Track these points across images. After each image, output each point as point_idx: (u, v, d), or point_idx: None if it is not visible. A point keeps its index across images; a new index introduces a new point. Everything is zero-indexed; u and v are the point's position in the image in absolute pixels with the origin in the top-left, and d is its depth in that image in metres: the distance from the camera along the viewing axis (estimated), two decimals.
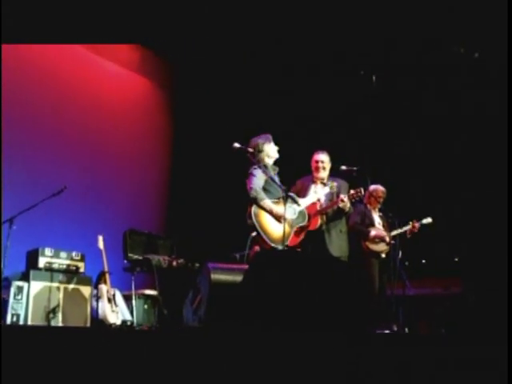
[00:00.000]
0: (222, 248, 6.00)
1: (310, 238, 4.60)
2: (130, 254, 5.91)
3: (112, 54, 7.91)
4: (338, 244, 4.74)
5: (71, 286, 5.69)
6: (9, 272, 5.34)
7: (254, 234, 4.43)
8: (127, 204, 7.81)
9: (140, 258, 5.89)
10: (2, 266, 5.08)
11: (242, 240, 5.13)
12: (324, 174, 4.88)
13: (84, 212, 7.10)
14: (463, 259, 6.47)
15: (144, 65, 8.41)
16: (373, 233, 5.55)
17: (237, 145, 4.34)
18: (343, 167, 4.86)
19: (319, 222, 4.62)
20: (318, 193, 4.76)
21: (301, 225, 4.49)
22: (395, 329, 5.16)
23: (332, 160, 4.97)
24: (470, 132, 6.55)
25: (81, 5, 3.81)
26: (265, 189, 4.45)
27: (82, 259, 5.94)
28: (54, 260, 5.68)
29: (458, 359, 2.52)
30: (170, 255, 6.14)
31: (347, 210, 4.65)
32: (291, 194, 4.46)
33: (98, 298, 5.62)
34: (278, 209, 4.33)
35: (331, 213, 4.73)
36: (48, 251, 5.67)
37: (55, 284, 5.57)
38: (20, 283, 5.31)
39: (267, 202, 4.36)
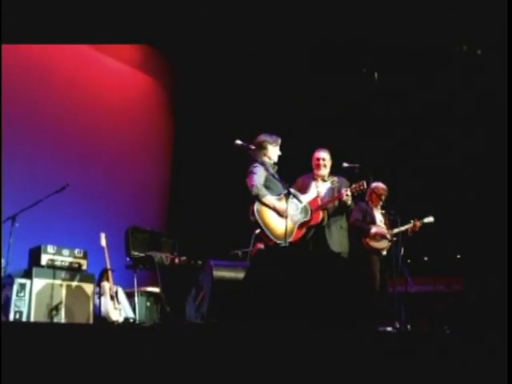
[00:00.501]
0: (224, 245, 6.01)
1: (311, 233, 4.61)
2: (132, 252, 5.92)
3: (114, 52, 7.91)
4: (338, 240, 4.76)
5: (74, 284, 5.70)
6: (11, 269, 5.34)
7: (257, 231, 4.43)
8: (129, 201, 7.82)
9: (142, 255, 5.90)
10: (4, 264, 5.10)
11: (244, 237, 5.14)
12: (325, 171, 4.92)
13: (86, 209, 7.10)
14: (464, 258, 6.47)
15: (146, 63, 8.41)
16: (373, 230, 5.54)
17: (239, 142, 4.34)
18: (345, 164, 4.88)
19: (321, 216, 4.62)
20: (319, 188, 4.77)
21: (303, 220, 4.49)
22: (397, 326, 5.16)
23: (332, 158, 5.00)
24: (473, 130, 6.55)
25: (82, 4, 3.81)
26: (265, 186, 4.45)
27: (85, 256, 5.95)
28: (56, 257, 5.69)
29: (458, 358, 2.53)
30: (173, 252, 6.14)
31: (349, 203, 4.67)
32: (292, 190, 4.46)
33: (100, 295, 5.63)
34: (281, 204, 4.34)
35: (332, 208, 4.75)
36: (50, 248, 5.68)
37: (58, 281, 5.58)
38: (23, 280, 5.32)
39: (270, 198, 4.37)
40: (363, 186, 4.60)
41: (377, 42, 6.62)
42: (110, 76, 7.97)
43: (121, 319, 5.62)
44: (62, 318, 5.43)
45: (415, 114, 7.00)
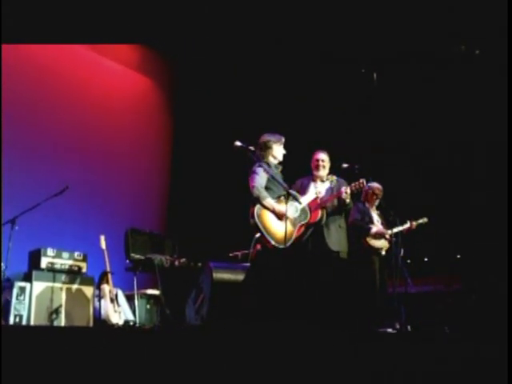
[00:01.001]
0: (224, 247, 6.00)
1: (309, 232, 4.62)
2: (132, 254, 5.91)
3: (112, 53, 7.92)
4: (337, 239, 4.78)
5: (74, 287, 5.69)
6: (11, 273, 5.34)
7: (258, 234, 4.42)
8: (129, 204, 7.81)
9: (142, 257, 5.90)
10: (4, 267, 5.10)
11: (243, 239, 5.13)
12: (324, 172, 4.98)
13: (86, 212, 7.10)
14: (464, 258, 6.47)
15: (145, 64, 8.42)
16: (374, 229, 5.59)
17: (238, 143, 4.33)
18: (345, 165, 4.91)
19: (320, 214, 4.63)
20: (318, 189, 4.78)
21: (303, 222, 4.50)
22: (397, 327, 5.16)
23: (331, 159, 5.05)
24: (473, 130, 6.55)
25: (81, 5, 3.81)
26: (267, 187, 4.45)
27: (85, 259, 5.95)
28: (56, 260, 5.68)
29: (459, 357, 2.52)
30: (172, 255, 6.14)
31: (348, 201, 4.70)
32: (292, 191, 4.47)
33: (100, 298, 5.63)
34: (281, 207, 4.34)
35: (331, 207, 4.78)
36: (50, 251, 5.67)
37: (58, 284, 5.57)
38: (22, 284, 5.32)
39: (269, 201, 4.36)
40: (363, 184, 4.64)
41: (376, 42, 6.63)
42: (108, 77, 7.98)
43: (121, 322, 5.61)
44: (61, 321, 5.43)
45: (414, 113, 7.00)
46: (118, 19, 4.03)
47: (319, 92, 7.43)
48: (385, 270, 5.55)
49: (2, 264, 5.12)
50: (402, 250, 5.54)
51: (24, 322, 5.17)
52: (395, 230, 5.58)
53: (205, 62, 8.13)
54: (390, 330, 4.99)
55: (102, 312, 5.58)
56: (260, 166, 4.44)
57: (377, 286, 5.45)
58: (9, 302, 5.18)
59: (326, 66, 7.33)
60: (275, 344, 2.70)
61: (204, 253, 5.81)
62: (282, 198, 4.36)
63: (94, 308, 5.72)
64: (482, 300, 5.79)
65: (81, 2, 3.82)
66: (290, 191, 4.37)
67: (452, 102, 6.73)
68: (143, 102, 8.46)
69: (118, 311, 5.67)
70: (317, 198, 4.67)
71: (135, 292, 5.84)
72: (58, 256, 5.72)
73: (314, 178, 4.99)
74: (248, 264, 4.82)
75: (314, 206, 4.63)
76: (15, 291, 5.22)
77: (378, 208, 5.85)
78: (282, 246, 4.18)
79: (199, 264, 5.94)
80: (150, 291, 6.26)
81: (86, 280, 5.84)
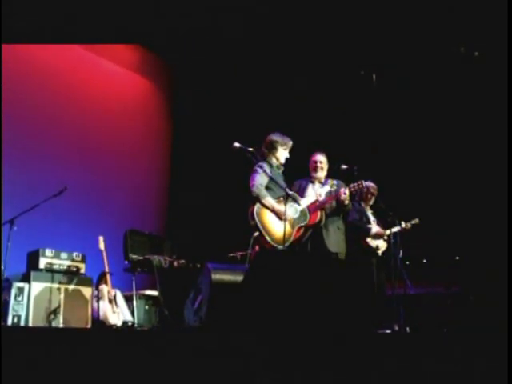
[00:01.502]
0: (223, 248, 6.00)
1: (308, 233, 4.63)
2: (130, 255, 5.91)
3: (112, 55, 7.92)
4: (335, 240, 4.80)
5: (72, 287, 5.69)
6: (9, 273, 5.33)
7: (256, 233, 4.43)
8: (128, 205, 7.81)
9: (141, 258, 5.89)
10: (3, 267, 5.09)
11: (242, 240, 5.13)
12: (322, 174, 5.01)
13: (84, 213, 7.09)
14: (463, 259, 6.47)
15: (144, 65, 8.42)
16: (374, 230, 5.65)
17: (237, 144, 4.33)
18: (343, 166, 4.92)
19: (319, 216, 4.63)
20: (318, 191, 4.79)
21: (302, 224, 4.50)
22: (396, 328, 5.16)
23: (329, 160, 5.07)
24: (472, 130, 6.56)
25: (81, 5, 3.81)
26: (267, 187, 4.46)
27: (83, 260, 5.94)
28: (54, 261, 5.68)
29: (458, 358, 2.52)
30: (171, 255, 6.14)
31: (347, 203, 4.70)
32: (292, 193, 4.47)
33: (98, 298, 5.62)
34: (280, 207, 4.34)
35: (330, 209, 4.79)
36: (49, 252, 5.67)
37: (56, 285, 5.56)
38: (21, 284, 5.31)
39: (269, 200, 4.37)
40: (361, 185, 4.65)
41: (375, 43, 6.64)
42: (108, 79, 7.97)
43: (119, 323, 5.61)
44: (60, 321, 5.42)
45: (413, 115, 7.01)
46: (119, 20, 4.02)
47: (319, 93, 7.43)
48: (382, 272, 5.57)
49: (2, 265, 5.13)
50: (401, 252, 5.56)
51: (22, 323, 5.16)
52: (394, 230, 5.64)
53: (204, 64, 8.13)
54: (388, 331, 5.00)
55: (101, 313, 5.57)
56: (261, 166, 4.43)
57: (375, 288, 5.47)
58: (7, 303, 5.17)
59: (326, 67, 7.33)
60: (274, 345, 2.70)
61: (203, 254, 5.80)
62: (282, 198, 4.36)
63: (93, 309, 5.72)
64: (480, 301, 5.79)
65: (81, 2, 3.81)
66: (290, 192, 4.37)
67: (451, 103, 6.74)
68: (143, 104, 8.46)
69: (117, 312, 5.67)
70: (316, 201, 4.67)
71: (134, 293, 5.83)
72: (57, 256, 5.71)
73: (312, 180, 5.01)
74: (247, 265, 4.82)
75: (312, 207, 4.64)
76: (13, 291, 5.22)
77: (371, 207, 5.92)
78: (280, 246, 4.19)
79: (198, 265, 5.93)
80: (149, 292, 6.25)
81: (85, 281, 5.84)
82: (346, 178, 4.93)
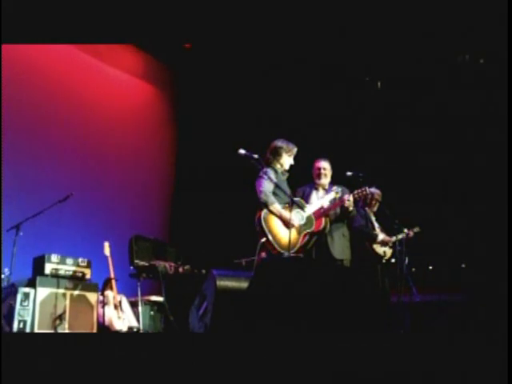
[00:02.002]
0: (228, 254, 6.00)
1: (313, 240, 4.63)
2: (136, 261, 5.92)
3: (116, 61, 7.95)
4: (340, 247, 4.81)
5: (77, 293, 5.69)
6: (15, 278, 5.35)
7: (263, 239, 4.43)
8: (133, 211, 7.83)
9: (146, 264, 5.90)
10: (8, 273, 5.11)
11: (248, 246, 5.13)
12: (325, 180, 5.01)
13: (90, 218, 7.12)
14: (468, 267, 6.46)
15: (148, 72, 8.44)
16: (380, 236, 5.66)
17: (242, 151, 4.34)
18: (349, 173, 4.92)
19: (323, 223, 4.63)
20: (322, 199, 4.80)
21: (308, 231, 4.51)
22: None
23: (333, 167, 5.08)
24: (475, 138, 6.55)
25: (82, 5, 3.81)
26: (273, 193, 4.47)
27: (89, 265, 5.94)
28: (60, 266, 5.68)
29: (460, 361, 2.52)
30: (176, 261, 6.14)
31: (351, 209, 4.70)
32: (298, 199, 4.48)
33: (104, 304, 5.62)
34: (287, 214, 4.35)
35: (334, 216, 4.79)
36: (54, 257, 5.67)
37: (61, 290, 5.56)
38: (27, 290, 5.32)
39: (276, 206, 4.38)
40: (366, 191, 4.65)
41: (379, 50, 6.65)
42: (112, 85, 8.00)
43: (124, 328, 5.61)
44: (65, 327, 5.42)
45: (418, 122, 7.01)
46: (119, 21, 4.02)
47: (323, 99, 7.44)
48: (386, 278, 5.58)
49: (6, 269, 5.14)
50: (407, 259, 5.55)
51: (28, 328, 5.17)
52: (400, 236, 5.64)
53: (209, 71, 8.16)
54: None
55: (106, 318, 5.57)
56: (266, 172, 4.44)
57: (381, 294, 5.46)
58: (13, 308, 5.18)
59: (330, 74, 7.35)
60: (279, 351, 2.69)
61: (208, 260, 5.81)
62: (288, 205, 4.37)
63: (98, 314, 5.71)
64: (485, 309, 5.77)
65: (82, 3, 3.82)
66: (295, 199, 4.38)
67: (454, 110, 6.74)
68: (147, 111, 8.48)
69: (122, 318, 5.67)
70: (321, 208, 4.68)
71: (139, 298, 5.84)
72: (62, 262, 5.72)
73: (315, 187, 5.02)
74: (252, 272, 4.82)
75: (317, 214, 4.64)
76: (19, 297, 5.22)
77: (375, 213, 5.93)
78: (286, 253, 4.19)
79: (203, 271, 5.94)
80: (154, 298, 6.25)
81: (90, 286, 5.83)
82: (351, 185, 4.93)
